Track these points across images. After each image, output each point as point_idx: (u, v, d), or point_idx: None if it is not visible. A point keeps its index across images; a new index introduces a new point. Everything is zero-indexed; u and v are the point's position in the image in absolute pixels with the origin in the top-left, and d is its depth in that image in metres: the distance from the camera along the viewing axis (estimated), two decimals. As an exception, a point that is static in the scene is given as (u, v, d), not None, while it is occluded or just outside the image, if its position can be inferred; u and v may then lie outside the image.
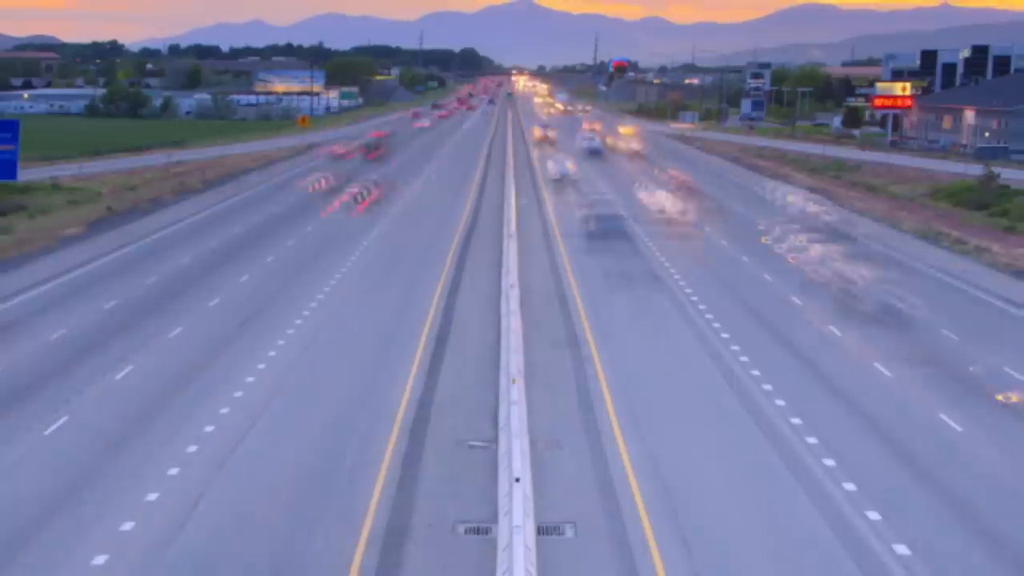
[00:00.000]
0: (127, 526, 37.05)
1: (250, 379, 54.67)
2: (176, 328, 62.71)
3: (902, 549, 35.98)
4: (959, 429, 49.05)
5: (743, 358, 59.35)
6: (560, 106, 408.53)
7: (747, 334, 65.55)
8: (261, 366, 57.17)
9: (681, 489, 42.18)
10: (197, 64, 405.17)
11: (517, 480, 38.39)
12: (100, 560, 34.80)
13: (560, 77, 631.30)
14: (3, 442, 45.99)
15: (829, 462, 43.94)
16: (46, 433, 45.90)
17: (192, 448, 44.44)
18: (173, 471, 41.58)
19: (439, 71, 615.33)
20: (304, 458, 45.56)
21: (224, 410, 49.34)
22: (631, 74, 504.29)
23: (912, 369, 58.82)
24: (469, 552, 35.30)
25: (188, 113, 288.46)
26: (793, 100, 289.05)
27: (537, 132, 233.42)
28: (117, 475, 42.41)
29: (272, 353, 58.78)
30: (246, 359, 58.18)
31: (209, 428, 46.85)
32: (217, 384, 53.71)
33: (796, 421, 49.43)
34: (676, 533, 37.32)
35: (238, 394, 51.79)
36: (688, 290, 78.81)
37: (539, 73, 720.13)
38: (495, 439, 45.24)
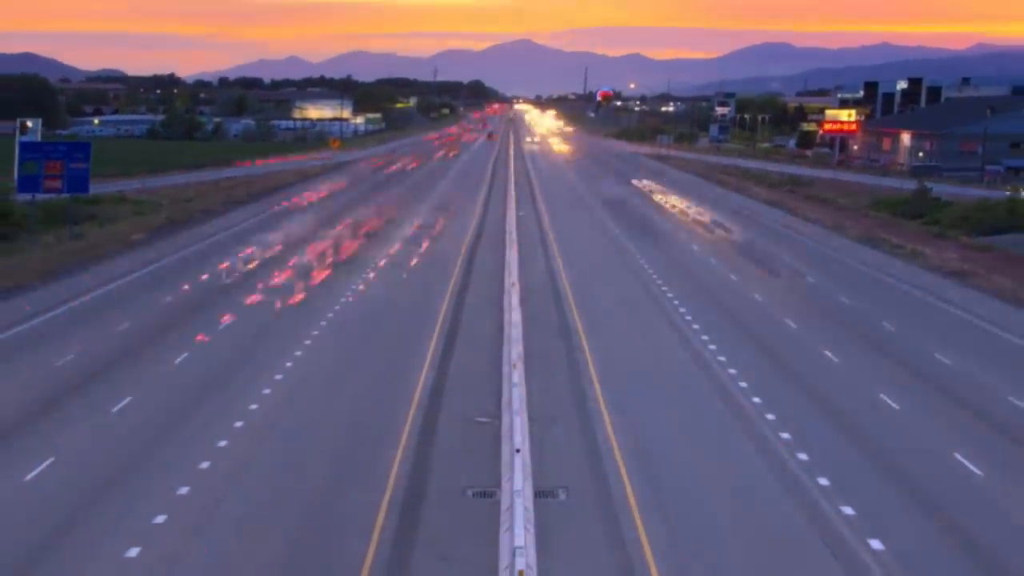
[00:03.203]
0: (221, 442, 40.23)
1: (314, 332, 59.17)
2: (231, 307, 64.60)
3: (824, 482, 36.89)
4: (888, 400, 48.96)
5: (695, 326, 60.91)
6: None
7: (699, 304, 67.26)
8: (324, 321, 63.54)
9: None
10: (243, 94, 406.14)
11: (518, 451, 38.62)
12: (183, 491, 34.90)
13: (555, 105, 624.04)
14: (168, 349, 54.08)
15: (770, 415, 44.49)
16: (182, 359, 50.27)
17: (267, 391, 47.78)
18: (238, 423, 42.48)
19: (450, 100, 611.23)
20: (363, 384, 50.65)
21: (298, 354, 53.74)
22: (617, 103, 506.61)
23: (859, 350, 58.15)
24: (477, 512, 35.15)
25: (236, 136, 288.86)
26: (754, 125, 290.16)
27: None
28: (220, 398, 45.95)
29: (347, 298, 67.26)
30: (305, 320, 62.24)
31: (279, 376, 49.73)
32: (278, 349, 55.09)
33: (732, 371, 51.61)
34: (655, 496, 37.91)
35: (298, 353, 53.68)
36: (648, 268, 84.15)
37: (537, 102, 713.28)
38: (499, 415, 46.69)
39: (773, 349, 60.83)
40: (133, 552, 31.23)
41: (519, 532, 30.41)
